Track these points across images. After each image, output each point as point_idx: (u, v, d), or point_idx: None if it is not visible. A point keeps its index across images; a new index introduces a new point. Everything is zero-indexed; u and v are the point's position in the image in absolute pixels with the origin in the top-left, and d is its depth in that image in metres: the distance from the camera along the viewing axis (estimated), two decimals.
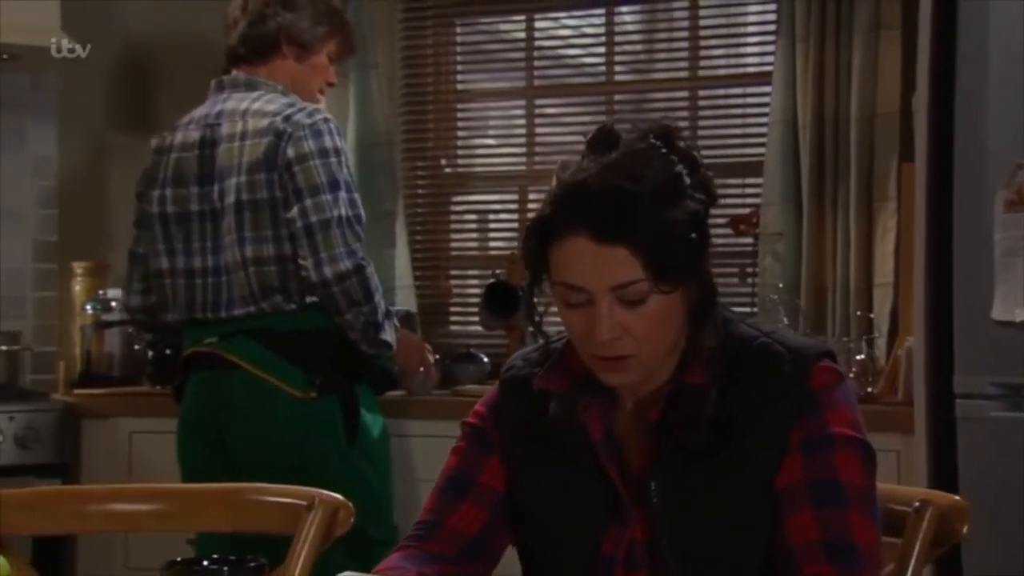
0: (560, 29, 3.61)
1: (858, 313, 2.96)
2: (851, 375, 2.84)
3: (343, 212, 2.44)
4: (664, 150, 1.34)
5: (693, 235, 1.32)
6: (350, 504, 1.65)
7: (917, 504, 1.46)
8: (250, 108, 2.51)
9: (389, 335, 2.53)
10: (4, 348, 3.25)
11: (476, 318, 3.27)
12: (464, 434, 1.49)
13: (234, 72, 2.59)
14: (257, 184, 2.46)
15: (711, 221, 1.38)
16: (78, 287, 3.44)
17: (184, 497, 1.71)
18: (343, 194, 2.45)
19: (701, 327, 1.37)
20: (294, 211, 2.43)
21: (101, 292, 3.40)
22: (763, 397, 1.36)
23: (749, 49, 3.37)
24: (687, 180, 1.33)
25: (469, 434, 1.48)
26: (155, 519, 1.66)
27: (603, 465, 1.38)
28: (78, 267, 3.45)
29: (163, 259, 2.56)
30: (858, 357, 2.86)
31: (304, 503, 1.63)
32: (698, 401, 1.35)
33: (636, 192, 1.30)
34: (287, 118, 2.46)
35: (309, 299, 2.48)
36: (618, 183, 1.30)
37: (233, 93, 2.55)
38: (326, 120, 2.50)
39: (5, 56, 3.18)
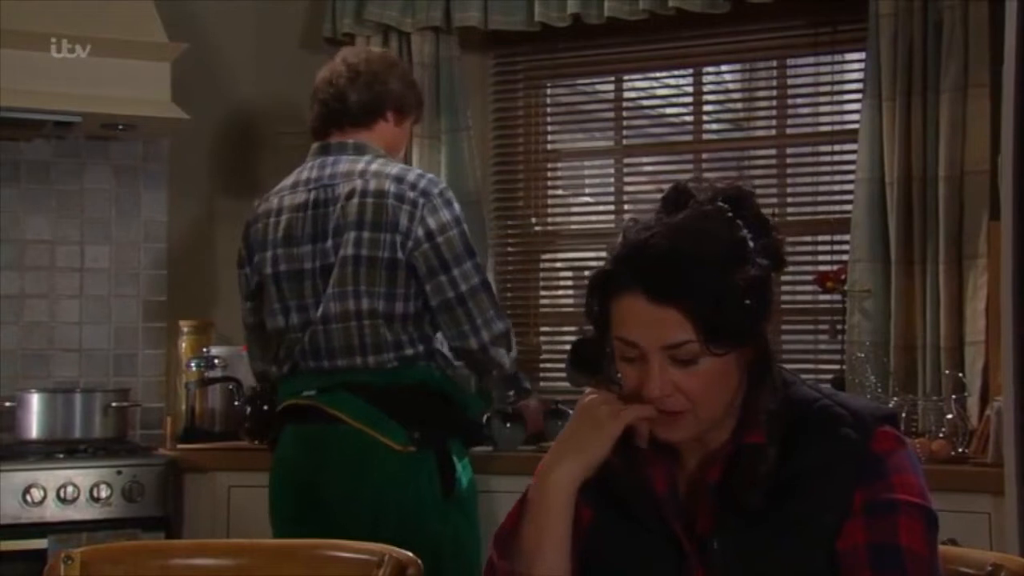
0: (649, 88, 3.65)
1: (946, 372, 2.91)
2: (941, 435, 2.80)
3: (482, 277, 2.58)
4: (731, 214, 1.36)
5: (748, 301, 1.33)
6: (419, 561, 1.69)
7: (989, 568, 1.44)
8: (368, 169, 2.56)
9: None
10: (114, 404, 3.32)
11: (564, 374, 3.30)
12: None
13: (336, 136, 2.64)
14: (378, 242, 2.50)
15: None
16: (184, 344, 3.54)
17: (263, 552, 1.77)
18: (477, 260, 2.60)
19: (758, 388, 1.38)
20: (441, 280, 2.52)
21: (205, 349, 3.49)
22: (825, 458, 1.36)
23: (836, 107, 3.36)
24: (751, 245, 1.35)
25: None
26: (235, 573, 1.72)
27: (668, 521, 1.40)
28: (185, 325, 3.55)
29: (279, 318, 2.60)
30: (948, 417, 2.80)
31: (375, 559, 1.69)
32: (757, 461, 1.36)
33: (694, 255, 1.32)
34: (413, 185, 2.54)
35: (410, 352, 2.52)
36: (677, 245, 1.32)
37: (342, 156, 2.60)
38: (447, 188, 2.61)
39: (120, 127, 3.34)
